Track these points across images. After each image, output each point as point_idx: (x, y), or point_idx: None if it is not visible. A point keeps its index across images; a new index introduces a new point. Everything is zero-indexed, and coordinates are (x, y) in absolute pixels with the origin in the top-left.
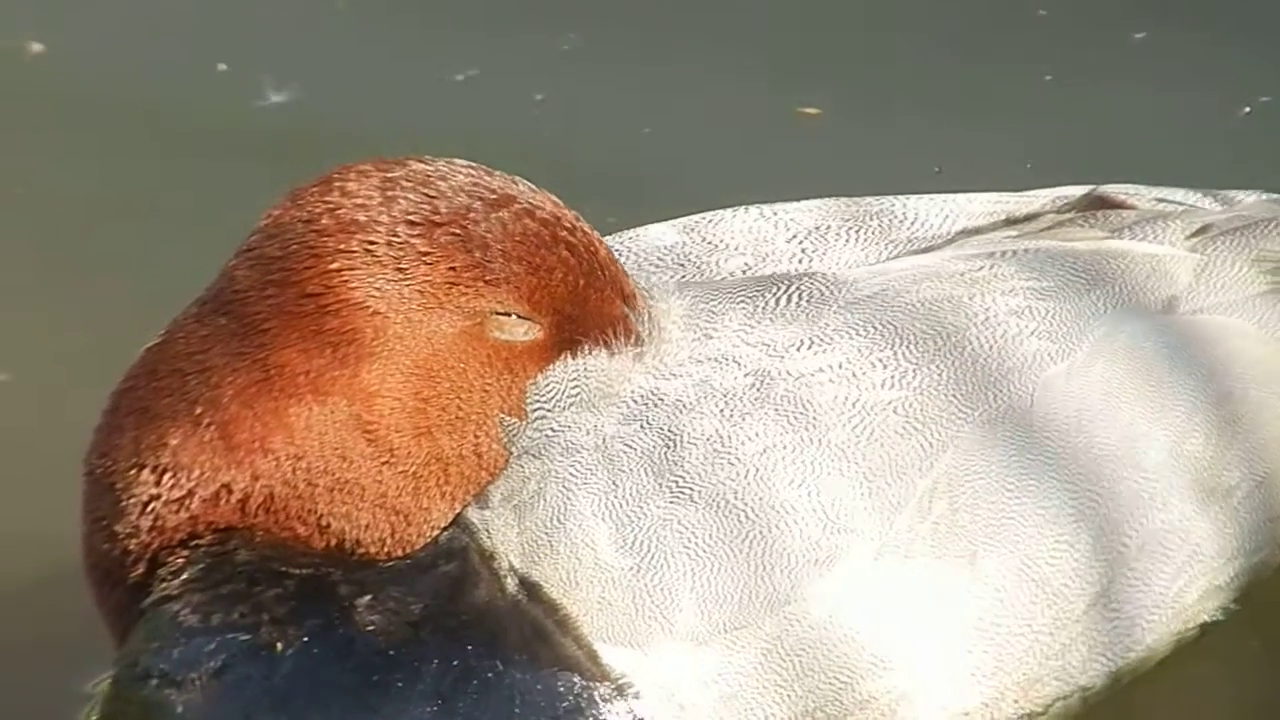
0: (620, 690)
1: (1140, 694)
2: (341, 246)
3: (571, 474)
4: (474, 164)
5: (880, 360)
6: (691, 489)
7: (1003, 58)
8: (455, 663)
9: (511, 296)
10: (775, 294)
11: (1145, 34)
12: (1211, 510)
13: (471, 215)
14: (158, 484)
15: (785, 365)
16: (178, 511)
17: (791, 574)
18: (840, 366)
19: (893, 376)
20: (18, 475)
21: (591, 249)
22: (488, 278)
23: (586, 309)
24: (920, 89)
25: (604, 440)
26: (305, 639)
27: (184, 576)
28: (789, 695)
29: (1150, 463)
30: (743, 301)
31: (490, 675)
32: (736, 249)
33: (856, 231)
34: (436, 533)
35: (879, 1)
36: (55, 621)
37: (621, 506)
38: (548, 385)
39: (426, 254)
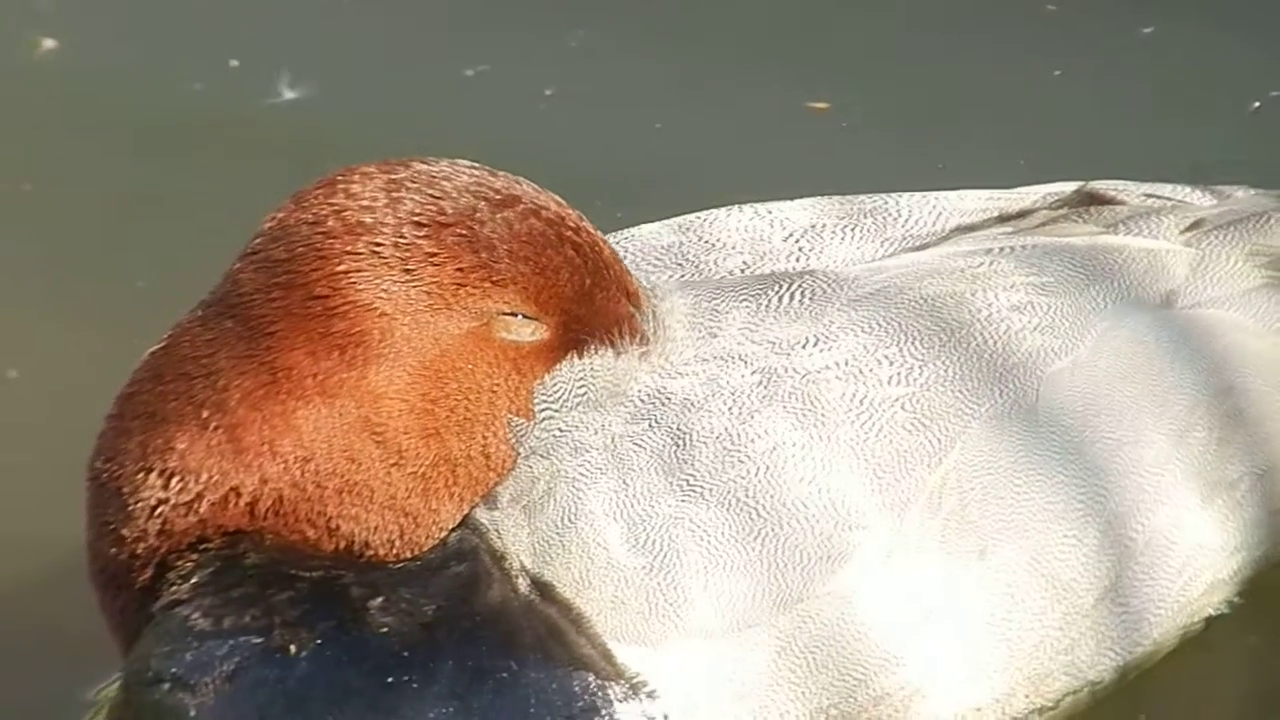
0: (635, 689)
1: (1145, 687)
2: (348, 248)
3: (581, 473)
4: (476, 164)
5: (886, 357)
6: (702, 487)
7: (1011, 52)
8: (470, 663)
9: (518, 297)
10: (777, 292)
11: (1153, 28)
12: (1215, 504)
13: (477, 216)
14: (165, 488)
15: (791, 363)
16: (186, 515)
17: (804, 571)
18: (846, 364)
19: (899, 373)
20: (26, 471)
21: (596, 248)
22: (495, 278)
23: (592, 309)
24: (930, 84)
25: (613, 439)
26: (319, 641)
27: (194, 580)
28: (803, 693)
29: (1154, 457)
30: (745, 300)
31: (505, 675)
32: (734, 248)
33: (851, 229)
34: (444, 534)
35: None
36: (59, 626)
37: (632, 505)
38: (555, 385)
39: (433, 255)
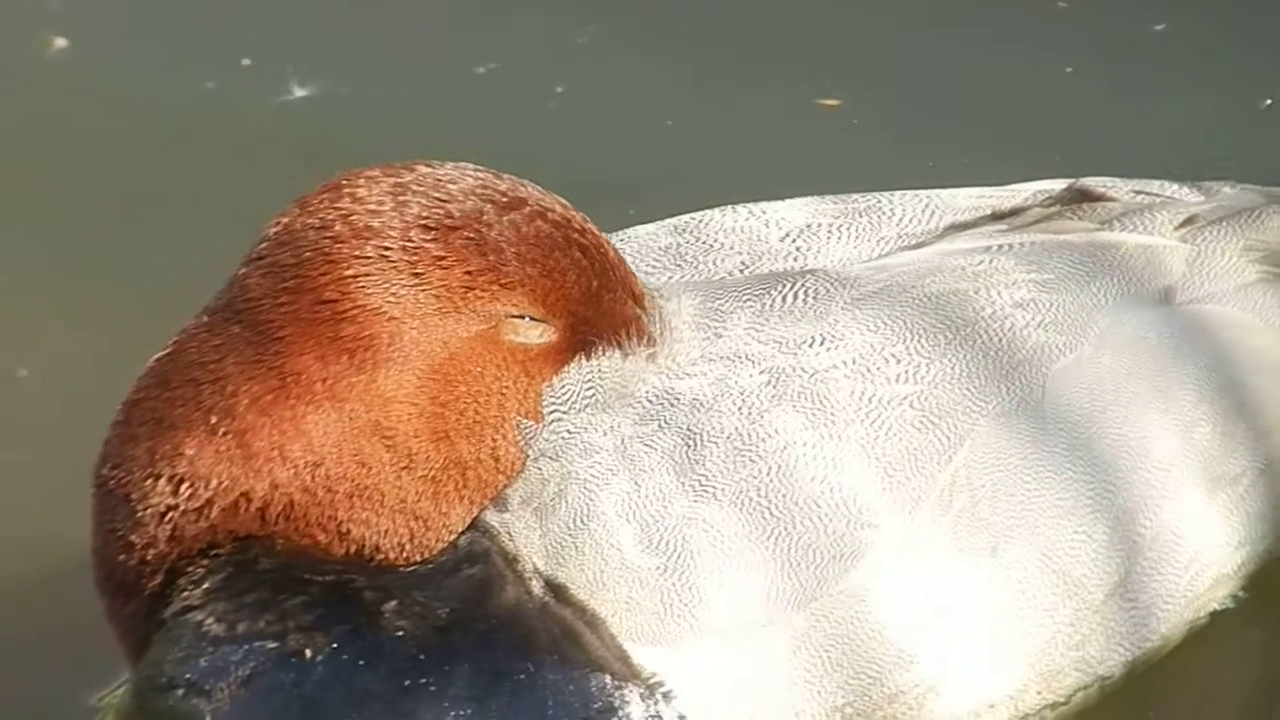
0: (651, 690)
1: (1150, 681)
2: (356, 253)
3: (592, 475)
4: (481, 166)
5: (893, 355)
6: (715, 487)
7: (1023, 50)
8: (487, 666)
9: (526, 299)
10: (780, 291)
11: (1165, 25)
12: (1219, 499)
13: (484, 218)
14: (175, 494)
15: (799, 362)
16: (196, 521)
17: (818, 570)
18: (854, 362)
19: (906, 371)
20: (33, 471)
21: (602, 250)
22: (502, 281)
23: (600, 310)
24: (940, 81)
25: (623, 441)
26: (334, 645)
27: (206, 586)
28: (818, 691)
29: (1160, 452)
30: (749, 300)
31: (522, 677)
32: (731, 248)
33: (846, 228)
34: (454, 537)
35: None
36: (64, 628)
37: (645, 506)
38: (563, 387)
39: (441, 258)
